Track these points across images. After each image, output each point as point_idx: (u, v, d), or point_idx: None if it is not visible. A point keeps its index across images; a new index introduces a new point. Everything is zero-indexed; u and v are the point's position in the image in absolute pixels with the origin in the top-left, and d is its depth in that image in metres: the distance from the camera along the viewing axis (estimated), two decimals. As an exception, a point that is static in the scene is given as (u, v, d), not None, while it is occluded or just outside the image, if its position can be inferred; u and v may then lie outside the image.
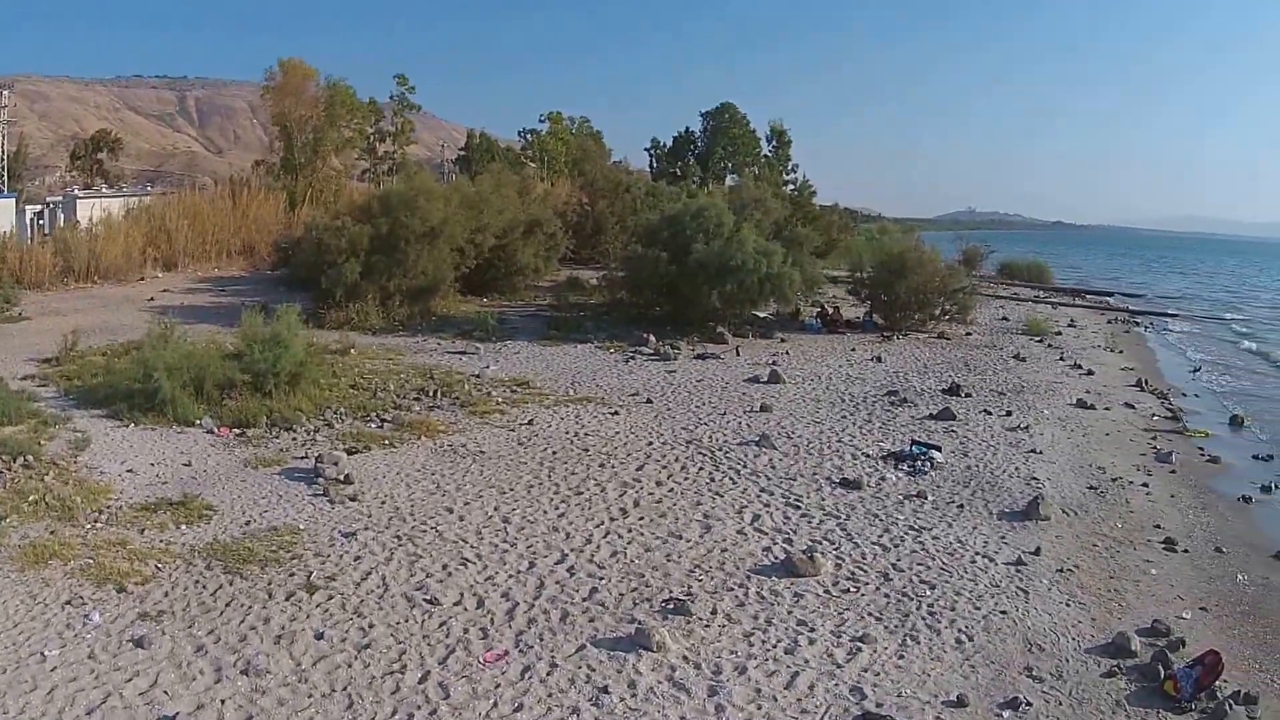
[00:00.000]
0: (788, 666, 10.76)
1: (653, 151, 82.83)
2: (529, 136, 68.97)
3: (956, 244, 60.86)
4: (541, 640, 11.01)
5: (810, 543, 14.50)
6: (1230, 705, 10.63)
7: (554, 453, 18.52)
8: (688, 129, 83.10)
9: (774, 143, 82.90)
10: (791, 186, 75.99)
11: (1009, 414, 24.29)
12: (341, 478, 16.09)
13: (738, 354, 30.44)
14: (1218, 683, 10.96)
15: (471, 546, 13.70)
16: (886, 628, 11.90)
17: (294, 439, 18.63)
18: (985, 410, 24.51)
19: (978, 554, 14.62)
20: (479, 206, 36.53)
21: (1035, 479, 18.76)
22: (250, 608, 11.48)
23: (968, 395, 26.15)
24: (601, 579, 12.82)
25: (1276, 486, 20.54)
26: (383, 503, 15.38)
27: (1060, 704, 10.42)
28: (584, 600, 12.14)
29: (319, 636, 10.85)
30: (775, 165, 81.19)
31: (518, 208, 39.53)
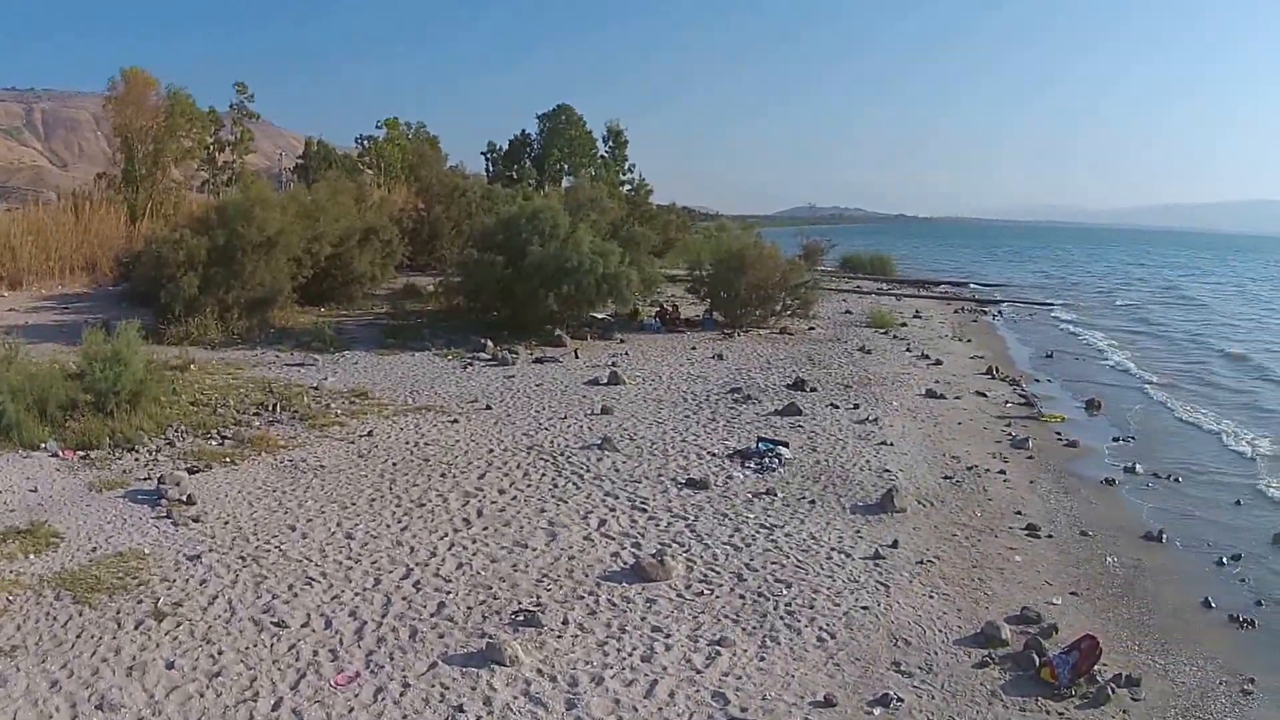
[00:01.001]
0: (646, 675, 10.54)
1: (489, 155, 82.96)
2: (366, 143, 68.55)
3: (797, 239, 61.76)
4: (392, 660, 10.66)
5: (659, 546, 14.28)
6: (1112, 689, 10.66)
7: (394, 464, 18.11)
8: (524, 131, 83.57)
9: (610, 143, 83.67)
10: (629, 186, 77.06)
11: (857, 407, 24.42)
12: (184, 498, 15.60)
13: (576, 356, 30.26)
14: (1097, 667, 10.99)
15: (316, 565, 13.27)
16: (744, 630, 11.71)
17: (136, 459, 17.98)
18: (832, 404, 24.60)
19: (833, 549, 14.51)
20: (315, 215, 35.98)
21: (888, 471, 18.79)
22: (101, 639, 10.94)
23: (813, 390, 26.20)
24: (449, 593, 12.48)
25: (1140, 467, 20.93)
26: (226, 523, 14.85)
27: (933, 698, 10.33)
28: (432, 616, 11.79)
29: (170, 666, 10.37)
30: (612, 165, 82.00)
31: (354, 215, 39.08)
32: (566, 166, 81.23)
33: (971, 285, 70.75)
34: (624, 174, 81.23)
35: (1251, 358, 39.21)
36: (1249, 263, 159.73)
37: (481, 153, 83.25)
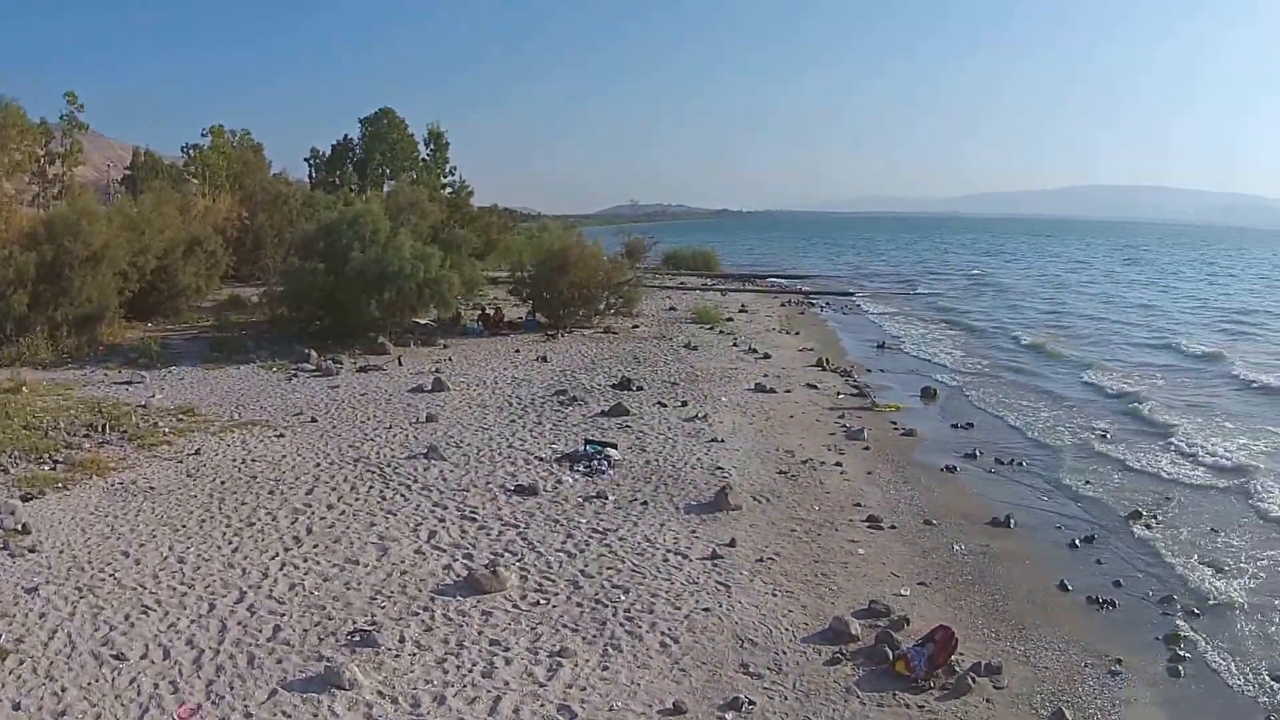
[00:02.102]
0: (488, 691, 10.36)
1: (312, 161, 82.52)
2: (191, 152, 67.44)
3: (619, 237, 61.93)
4: (232, 689, 10.32)
5: (491, 556, 14.13)
6: (973, 678, 10.76)
7: (223, 483, 17.67)
8: (346, 136, 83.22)
9: (432, 145, 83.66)
10: (450, 189, 76.94)
11: (685, 404, 24.49)
12: (19, 527, 15.04)
13: (400, 364, 29.99)
14: (954, 657, 11.09)
15: (151, 592, 12.84)
16: (585, 639, 11.58)
17: (-30, 489, 17.43)
18: (660, 402, 24.63)
19: (670, 551, 14.45)
20: (141, 227, 35.42)
21: (720, 468, 18.83)
22: (-50, 682, 10.50)
23: (640, 389, 26.27)
24: (283, 615, 12.15)
25: (981, 453, 21.28)
26: (61, 552, 14.28)
27: (785, 699, 10.28)
28: (269, 641, 11.46)
29: (16, 707, 9.97)
30: (433, 168, 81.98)
31: (179, 226, 38.66)
32: (389, 170, 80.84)
33: (771, 279, 71.55)
34: (445, 176, 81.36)
35: (1045, 345, 40.20)
36: (1062, 246, 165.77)
37: (305, 159, 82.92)
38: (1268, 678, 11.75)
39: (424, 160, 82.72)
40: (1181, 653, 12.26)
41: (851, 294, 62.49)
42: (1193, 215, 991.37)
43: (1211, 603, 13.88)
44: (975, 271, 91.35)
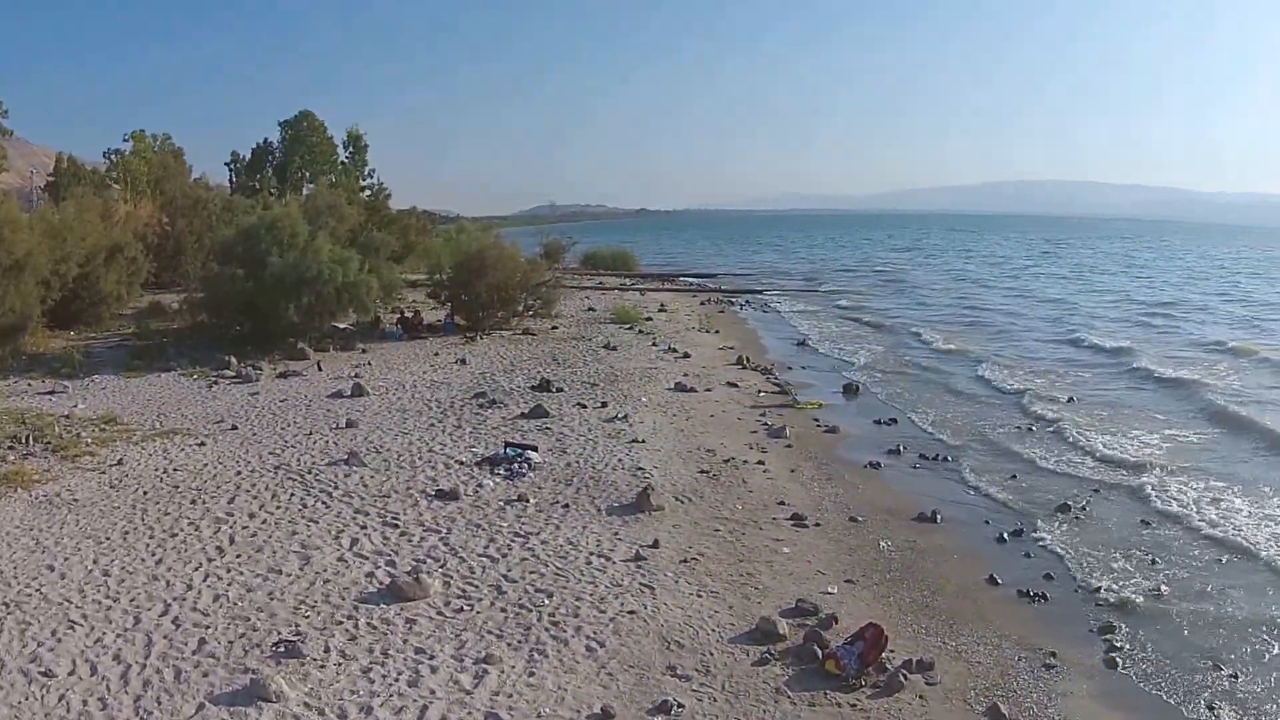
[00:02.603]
0: (415, 700, 10.23)
1: (232, 165, 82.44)
2: (113, 157, 66.82)
3: (538, 238, 61.86)
4: (160, 704, 10.15)
5: (414, 562, 13.99)
6: (905, 675, 10.74)
7: (145, 493, 17.41)
8: (266, 140, 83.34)
9: (350, 148, 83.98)
10: (368, 191, 77.32)
11: (605, 405, 24.41)
12: None
13: (320, 369, 29.74)
14: (885, 654, 11.03)
15: (76, 607, 12.62)
16: (510, 645, 11.45)
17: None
18: (580, 403, 24.53)
19: (592, 554, 14.38)
20: (63, 235, 34.83)
21: (641, 469, 18.76)
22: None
23: (559, 390, 26.17)
24: (208, 628, 11.96)
25: (904, 449, 21.31)
26: None
27: (715, 701, 10.20)
28: (194, 654, 11.27)
29: None
30: (352, 171, 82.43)
31: (101, 233, 38.05)
32: (308, 174, 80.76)
33: (689, 278, 71.92)
34: (364, 179, 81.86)
35: (958, 342, 40.55)
36: (981, 242, 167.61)
37: (225, 163, 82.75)
38: (1206, 664, 11.85)
39: (343, 163, 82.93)
40: (1117, 644, 12.32)
41: (769, 292, 62.69)
42: (1125, 209, 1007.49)
43: (1144, 593, 13.95)
44: (888, 269, 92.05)
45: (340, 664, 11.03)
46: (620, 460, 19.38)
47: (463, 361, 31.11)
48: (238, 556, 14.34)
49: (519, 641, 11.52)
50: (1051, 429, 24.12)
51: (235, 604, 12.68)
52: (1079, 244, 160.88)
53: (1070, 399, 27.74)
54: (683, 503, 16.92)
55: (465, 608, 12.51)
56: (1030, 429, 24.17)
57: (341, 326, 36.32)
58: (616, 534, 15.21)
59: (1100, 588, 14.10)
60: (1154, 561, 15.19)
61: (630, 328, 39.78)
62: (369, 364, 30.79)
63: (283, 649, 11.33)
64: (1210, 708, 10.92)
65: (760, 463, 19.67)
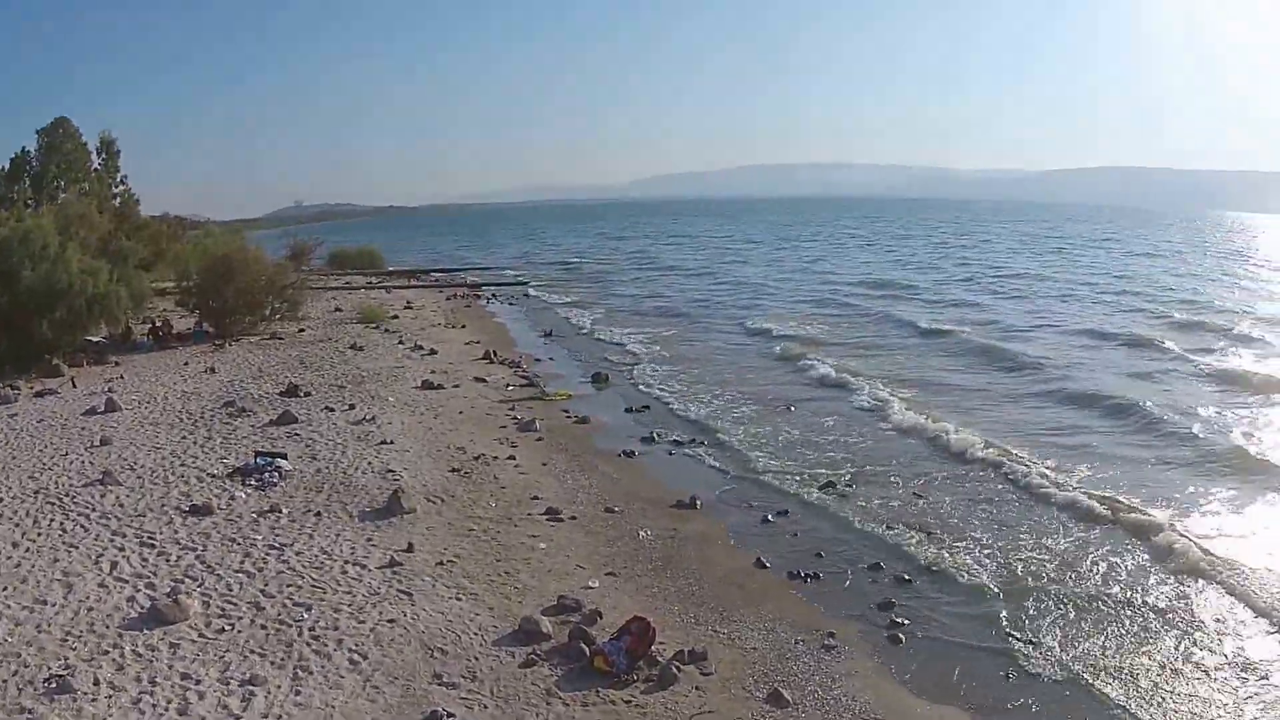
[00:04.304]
0: None
1: None
2: None
3: (285, 240, 60.79)
4: None
5: (173, 583, 13.42)
6: (677, 667, 10.71)
7: None
8: (24, 149, 78.79)
9: (103, 155, 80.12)
10: (119, 199, 74.21)
11: (352, 407, 24.00)
12: None
13: (74, 385, 28.42)
14: (654, 648, 10.99)
15: None
16: (273, 663, 11.07)
17: None
18: (328, 407, 24.06)
19: (348, 562, 14.04)
20: None
21: (391, 471, 18.47)
22: None
23: (307, 394, 25.64)
24: None
25: (659, 436, 21.39)
26: None
27: (485, 707, 10.04)
28: None
29: None
30: (104, 178, 78.73)
31: None
32: (63, 183, 77.06)
33: (433, 273, 71.97)
34: (116, 186, 78.28)
35: (688, 311, 41.88)
36: (735, 226, 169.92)
37: (-16, 175, 78.68)
38: (993, 632, 12.11)
39: (96, 170, 79.57)
40: (898, 619, 12.50)
41: (521, 283, 62.85)
42: (883, 190, 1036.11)
43: (920, 565, 14.26)
44: (639, 253, 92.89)
45: (110, 696, 10.54)
46: (370, 463, 19.04)
47: (212, 370, 30.18)
48: (3, 589, 13.52)
49: (282, 659, 11.15)
50: (809, 398, 25.15)
51: (5, 640, 11.96)
52: (827, 223, 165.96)
53: (828, 368, 28.80)
54: (435, 503, 16.70)
55: (226, 628, 12.06)
56: (792, 404, 24.74)
57: (95, 340, 34.95)
58: (370, 540, 14.91)
59: (877, 563, 14.35)
60: (929, 531, 15.71)
61: (377, 327, 39.37)
62: (121, 377, 29.65)
63: (54, 685, 10.81)
64: (1006, 675, 11.15)
65: (511, 458, 19.56)
